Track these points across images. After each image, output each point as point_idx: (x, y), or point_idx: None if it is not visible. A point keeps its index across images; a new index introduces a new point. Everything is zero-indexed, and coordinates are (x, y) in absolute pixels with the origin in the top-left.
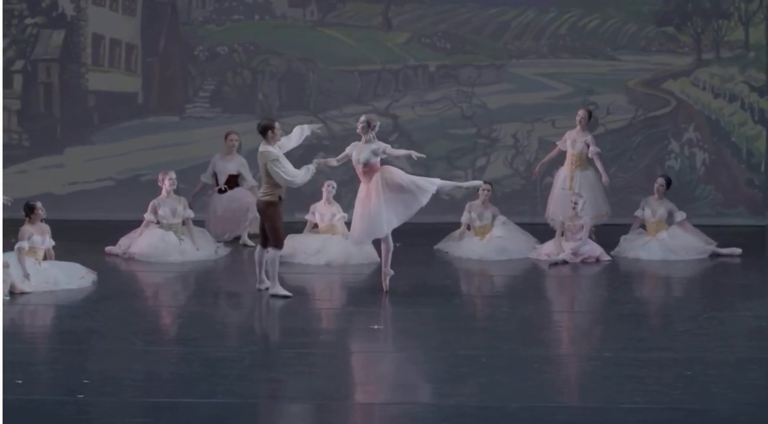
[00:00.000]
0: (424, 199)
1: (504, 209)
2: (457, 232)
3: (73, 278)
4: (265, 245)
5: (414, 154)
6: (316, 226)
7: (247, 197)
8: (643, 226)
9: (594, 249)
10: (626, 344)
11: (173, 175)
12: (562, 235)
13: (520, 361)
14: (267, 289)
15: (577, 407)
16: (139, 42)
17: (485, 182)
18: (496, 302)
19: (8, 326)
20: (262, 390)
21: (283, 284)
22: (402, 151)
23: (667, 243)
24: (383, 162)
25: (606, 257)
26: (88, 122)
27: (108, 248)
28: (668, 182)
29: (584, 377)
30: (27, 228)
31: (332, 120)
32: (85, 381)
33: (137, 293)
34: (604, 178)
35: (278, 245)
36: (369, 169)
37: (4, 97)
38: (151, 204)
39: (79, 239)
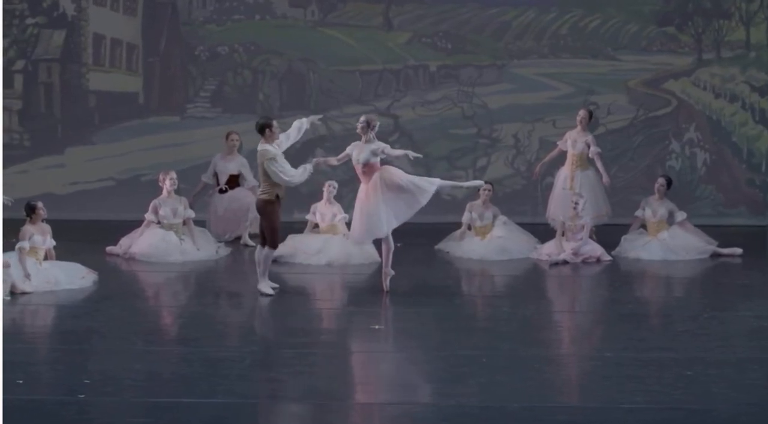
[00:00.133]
0: (424, 200)
1: (505, 209)
2: (458, 232)
3: (74, 278)
4: (265, 245)
5: (411, 154)
6: (316, 226)
7: (248, 197)
8: (643, 226)
9: (595, 249)
10: (627, 344)
11: (174, 175)
12: (563, 235)
13: (521, 361)
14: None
15: (578, 407)
16: (140, 42)
17: (486, 182)
18: (497, 302)
19: (9, 326)
20: (263, 390)
21: (283, 284)
22: (400, 152)
23: (668, 243)
24: (383, 162)
25: (607, 257)
26: (89, 122)
27: (109, 248)
28: (669, 182)
29: (585, 377)
30: (28, 228)
31: (333, 120)
32: (86, 381)
33: (138, 293)
34: (605, 179)
35: (273, 244)
36: (368, 169)
37: (5, 97)
38: (151, 204)
39: (79, 239)
